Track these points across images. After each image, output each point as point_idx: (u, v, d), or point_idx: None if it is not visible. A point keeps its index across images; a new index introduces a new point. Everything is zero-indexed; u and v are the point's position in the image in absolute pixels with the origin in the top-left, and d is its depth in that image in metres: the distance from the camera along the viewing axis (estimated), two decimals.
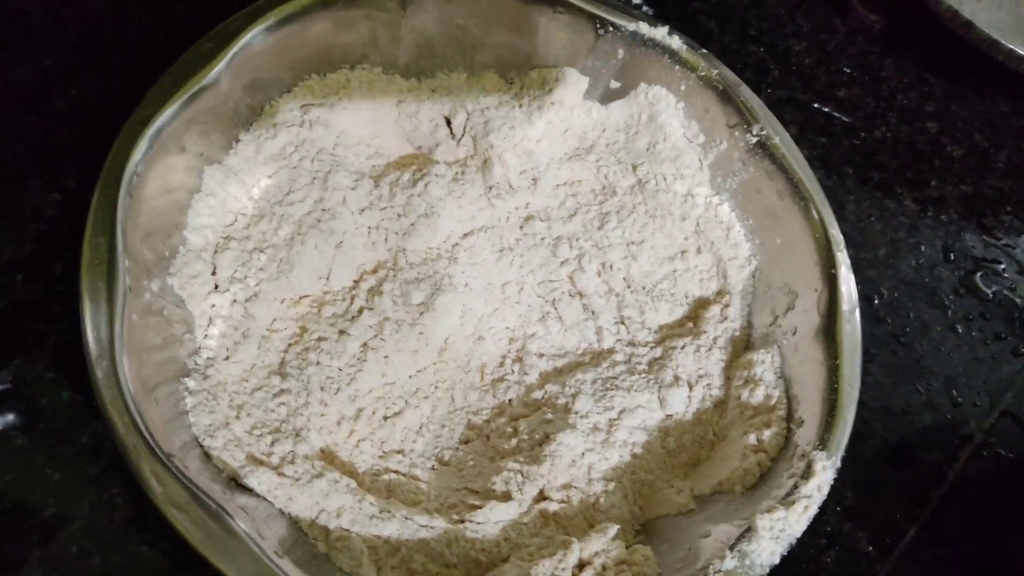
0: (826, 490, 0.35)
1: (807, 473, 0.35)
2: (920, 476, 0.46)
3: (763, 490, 0.36)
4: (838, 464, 0.36)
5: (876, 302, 0.50)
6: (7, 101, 0.46)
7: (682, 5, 0.57)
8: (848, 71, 0.58)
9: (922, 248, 0.53)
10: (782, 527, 0.34)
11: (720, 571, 0.32)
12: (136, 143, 0.35)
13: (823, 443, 0.36)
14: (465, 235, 0.44)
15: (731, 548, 0.33)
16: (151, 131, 0.35)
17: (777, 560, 0.34)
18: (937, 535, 0.45)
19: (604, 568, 0.34)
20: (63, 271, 0.42)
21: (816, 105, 0.56)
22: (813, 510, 0.35)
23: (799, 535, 0.34)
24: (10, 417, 0.39)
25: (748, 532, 0.33)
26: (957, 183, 0.56)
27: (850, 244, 0.51)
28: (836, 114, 0.56)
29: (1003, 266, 0.54)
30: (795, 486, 0.35)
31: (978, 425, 0.48)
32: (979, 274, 0.53)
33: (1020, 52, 0.52)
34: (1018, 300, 0.53)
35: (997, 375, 0.50)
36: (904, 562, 0.44)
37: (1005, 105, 0.59)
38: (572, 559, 0.34)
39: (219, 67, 0.38)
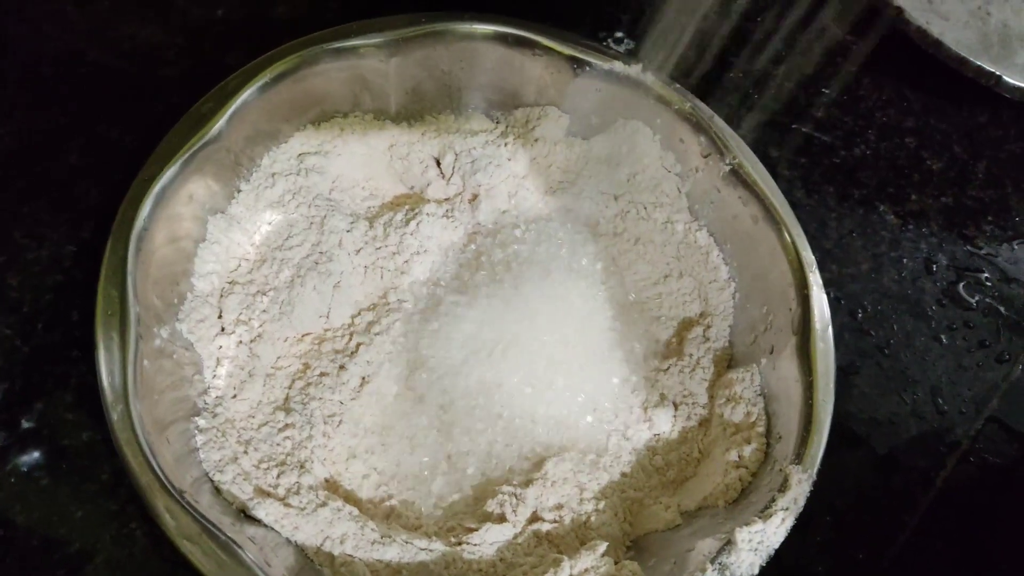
0: (802, 502, 0.37)
1: (784, 486, 0.37)
2: (908, 484, 0.47)
3: (744, 504, 0.38)
4: (814, 476, 0.38)
5: (860, 316, 0.52)
6: (24, 157, 0.48)
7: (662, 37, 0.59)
8: (826, 91, 0.60)
9: (904, 261, 0.54)
10: (760, 539, 0.35)
11: None
12: (143, 200, 0.37)
13: (799, 457, 0.38)
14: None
15: (712, 561, 0.35)
16: (157, 188, 0.38)
17: (756, 571, 0.35)
18: (927, 541, 0.46)
19: None
20: (80, 318, 0.44)
21: (795, 126, 0.58)
22: (790, 521, 0.36)
23: (777, 546, 0.36)
24: (35, 455, 0.42)
25: (728, 545, 0.35)
26: (937, 196, 0.57)
27: (832, 260, 0.53)
28: (816, 134, 0.58)
29: (986, 275, 0.55)
30: (772, 499, 0.36)
31: (964, 432, 0.49)
32: (962, 284, 0.54)
33: (988, 69, 0.54)
34: (1002, 308, 0.54)
35: (982, 382, 0.51)
36: (895, 568, 0.45)
37: (982, 116, 0.61)
38: None
39: (219, 124, 0.40)
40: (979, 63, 0.54)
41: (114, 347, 0.35)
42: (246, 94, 0.41)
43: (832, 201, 0.56)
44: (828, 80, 0.60)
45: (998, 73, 0.54)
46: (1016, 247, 0.56)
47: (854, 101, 0.60)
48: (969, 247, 0.56)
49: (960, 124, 0.60)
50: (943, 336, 0.52)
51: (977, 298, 0.54)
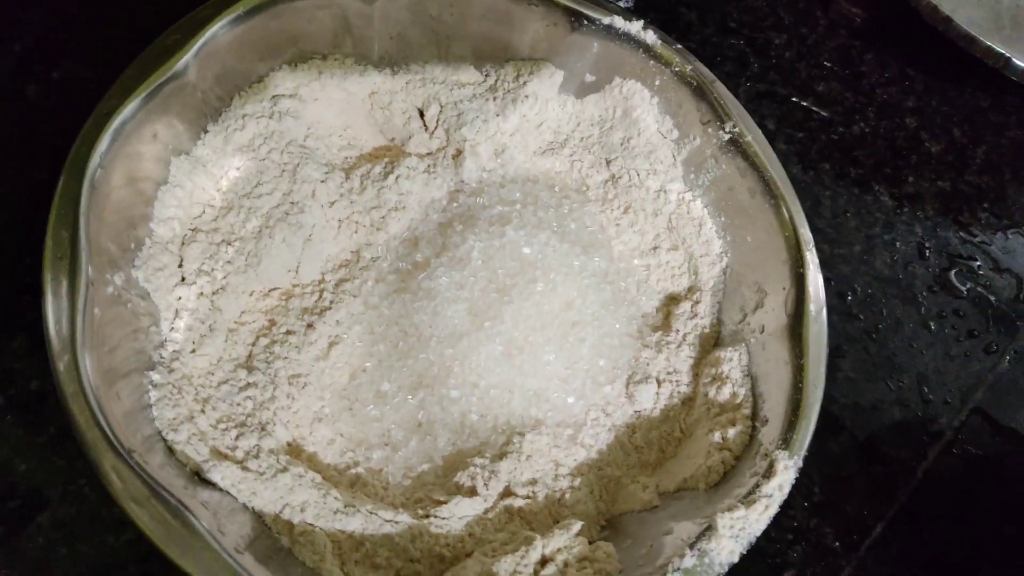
0: (787, 489, 0.35)
1: (769, 472, 0.35)
2: (889, 472, 0.47)
3: (726, 488, 0.37)
4: (800, 464, 0.36)
5: (849, 298, 0.50)
6: None
7: None
8: (828, 65, 0.58)
9: (897, 245, 0.53)
10: (742, 526, 0.34)
11: (679, 569, 0.33)
12: (100, 135, 0.35)
13: (786, 442, 0.36)
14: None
15: (691, 546, 0.33)
16: (115, 123, 0.35)
17: (736, 559, 0.34)
18: (905, 532, 0.45)
19: (566, 565, 0.34)
20: (32, 262, 0.41)
21: (795, 99, 0.56)
22: (773, 509, 0.35)
23: (759, 534, 0.34)
24: None
25: (708, 531, 0.33)
26: (934, 179, 0.56)
27: (825, 240, 0.52)
28: (815, 108, 0.56)
29: (978, 263, 0.54)
30: (756, 485, 0.35)
31: (948, 422, 0.49)
32: (954, 271, 0.53)
33: (997, 49, 0.52)
34: (992, 297, 0.53)
35: (969, 372, 0.50)
36: (870, 559, 0.44)
37: (984, 100, 0.59)
38: (534, 555, 0.34)
39: (186, 57, 0.37)
40: (989, 43, 0.52)
41: (63, 292, 0.33)
42: (216, 27, 0.38)
43: (828, 179, 0.54)
44: (830, 53, 0.58)
45: (1007, 55, 0.52)
46: (1010, 236, 0.55)
47: (856, 77, 0.58)
48: (963, 234, 0.54)
49: (962, 107, 0.59)
50: (932, 323, 0.51)
51: (968, 286, 0.53)
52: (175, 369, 0.37)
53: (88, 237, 0.34)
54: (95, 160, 0.34)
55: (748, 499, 0.34)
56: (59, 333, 0.32)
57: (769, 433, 0.38)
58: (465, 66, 0.46)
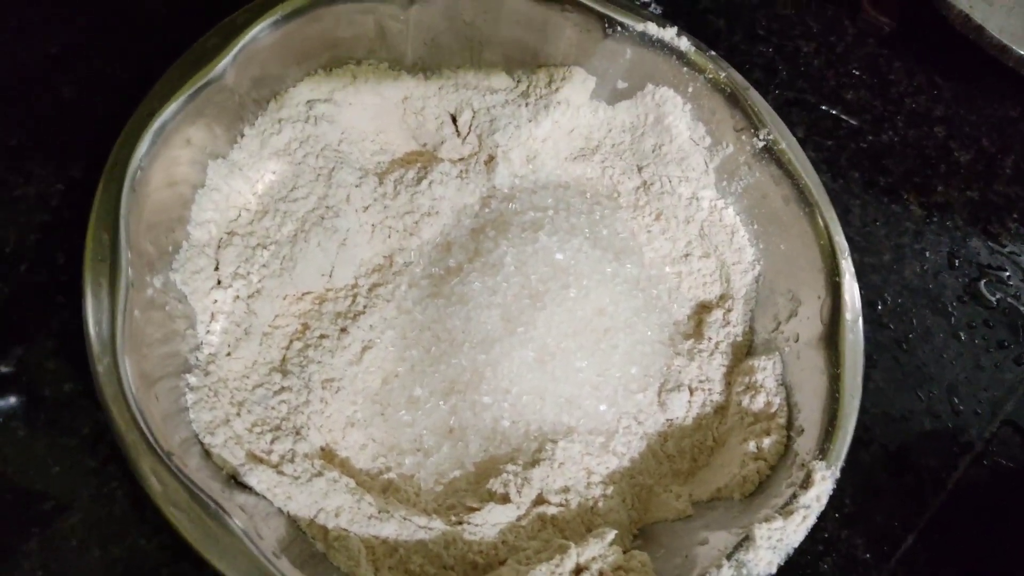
0: (825, 500, 0.35)
1: (806, 483, 0.35)
2: (919, 483, 0.46)
3: (761, 498, 0.36)
4: (837, 474, 0.36)
5: (879, 308, 0.50)
6: (13, 87, 0.46)
7: (691, 4, 0.57)
8: (857, 73, 0.58)
9: (927, 254, 0.53)
10: (780, 537, 0.34)
11: None
12: (140, 138, 0.35)
13: (823, 453, 0.36)
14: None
15: (728, 557, 0.33)
16: (155, 126, 0.35)
17: (774, 570, 0.34)
18: (935, 543, 0.45)
19: (601, 573, 0.34)
20: (66, 260, 0.42)
21: (824, 107, 0.56)
22: (811, 520, 0.35)
23: (796, 545, 0.34)
24: (11, 400, 0.39)
25: (745, 541, 0.33)
26: (963, 189, 0.55)
27: (855, 249, 0.51)
28: (844, 117, 0.56)
29: (1008, 274, 0.53)
30: (794, 496, 0.35)
31: (979, 433, 0.48)
32: (983, 281, 0.53)
33: None
34: (1022, 308, 0.52)
35: (999, 383, 0.50)
36: (901, 570, 0.44)
37: (1013, 110, 0.59)
38: (569, 564, 0.34)
39: (225, 61, 0.38)
40: (1021, 52, 0.51)
41: (103, 295, 0.33)
42: (255, 31, 0.38)
43: (857, 187, 0.54)
44: (859, 61, 0.58)
45: None
46: None
47: (884, 85, 0.58)
48: (992, 244, 0.54)
49: (990, 116, 0.58)
50: (962, 334, 0.51)
51: (998, 296, 0.52)
52: (211, 372, 0.37)
53: (128, 239, 0.34)
54: (135, 163, 0.35)
55: (785, 510, 0.34)
56: (99, 335, 0.32)
57: (805, 443, 0.37)
58: (497, 72, 0.46)
